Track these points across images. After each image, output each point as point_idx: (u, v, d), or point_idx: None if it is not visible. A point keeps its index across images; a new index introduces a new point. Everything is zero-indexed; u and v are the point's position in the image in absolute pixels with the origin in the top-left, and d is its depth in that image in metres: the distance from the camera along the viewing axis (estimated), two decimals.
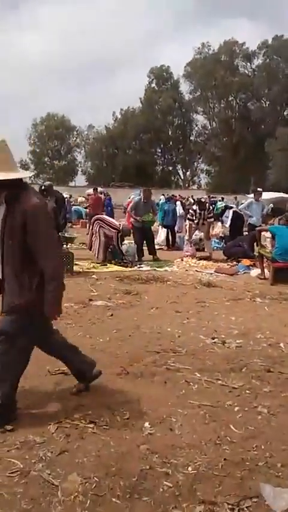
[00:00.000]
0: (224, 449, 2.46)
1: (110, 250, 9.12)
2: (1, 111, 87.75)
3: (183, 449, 2.45)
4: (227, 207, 14.70)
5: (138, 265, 8.89)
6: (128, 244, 9.94)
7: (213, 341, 4.24)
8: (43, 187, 8.07)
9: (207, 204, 11.11)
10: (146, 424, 2.68)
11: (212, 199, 21.11)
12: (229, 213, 13.31)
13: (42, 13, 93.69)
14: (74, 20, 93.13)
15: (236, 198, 23.66)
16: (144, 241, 10.08)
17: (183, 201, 21.03)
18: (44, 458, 2.33)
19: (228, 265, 9.07)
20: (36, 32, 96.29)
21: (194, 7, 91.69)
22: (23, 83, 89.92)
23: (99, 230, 9.02)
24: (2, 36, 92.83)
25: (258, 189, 11.39)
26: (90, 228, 9.62)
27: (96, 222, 9.24)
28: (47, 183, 8.84)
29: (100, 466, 2.28)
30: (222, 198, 21.45)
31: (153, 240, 10.41)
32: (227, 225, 12.93)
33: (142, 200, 9.99)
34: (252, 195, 11.94)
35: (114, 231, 9.00)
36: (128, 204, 19.37)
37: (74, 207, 22.36)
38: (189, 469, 2.28)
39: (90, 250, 9.33)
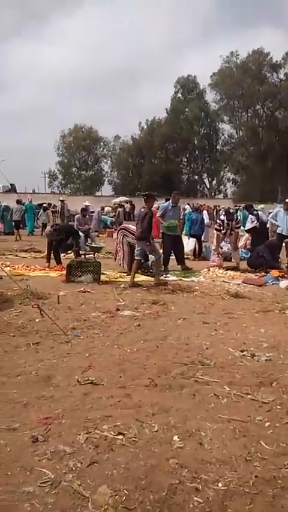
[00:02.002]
0: (255, 465, 2.41)
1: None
2: (31, 123, 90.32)
3: (213, 464, 2.41)
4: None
5: (165, 275, 8.88)
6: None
7: (242, 354, 4.18)
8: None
9: (235, 215, 11.03)
10: (175, 438, 2.66)
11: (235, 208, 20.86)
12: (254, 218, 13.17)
13: (67, 26, 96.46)
14: (99, 32, 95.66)
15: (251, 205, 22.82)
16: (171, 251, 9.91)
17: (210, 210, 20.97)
18: (74, 468, 2.34)
19: (256, 275, 8.95)
20: (62, 45, 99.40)
21: (218, 17, 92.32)
22: (50, 95, 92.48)
23: (122, 239, 9.04)
24: (28, 48, 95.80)
25: (287, 199, 11.22)
26: (116, 238, 9.63)
27: (120, 231, 9.26)
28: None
29: (129, 478, 2.27)
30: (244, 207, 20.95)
31: (182, 248, 10.15)
32: (245, 227, 12.70)
33: (171, 204, 9.79)
34: (281, 205, 11.77)
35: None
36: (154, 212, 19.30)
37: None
38: (220, 485, 2.24)
39: (115, 260, 9.36)
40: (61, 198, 22.19)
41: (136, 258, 7.98)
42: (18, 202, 18.59)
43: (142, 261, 8.47)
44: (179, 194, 10.46)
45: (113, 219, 22.56)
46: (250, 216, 13.38)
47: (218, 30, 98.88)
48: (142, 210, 8.02)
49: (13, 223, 17.71)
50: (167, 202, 10.25)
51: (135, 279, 8.34)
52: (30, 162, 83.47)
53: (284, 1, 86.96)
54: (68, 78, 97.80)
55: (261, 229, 11.68)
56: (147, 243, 7.93)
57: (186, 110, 55.12)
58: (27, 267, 9.35)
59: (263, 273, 9.00)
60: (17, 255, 11.85)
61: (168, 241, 9.71)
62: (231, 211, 10.90)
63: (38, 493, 2.15)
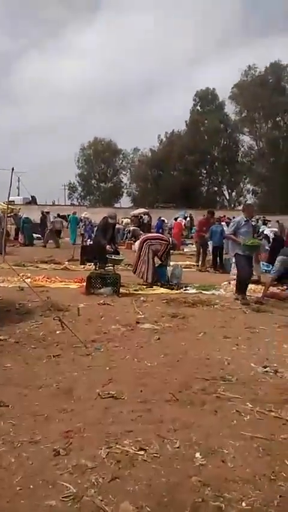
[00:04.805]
0: (279, 485, 2.36)
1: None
2: (51, 136, 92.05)
3: (236, 483, 2.37)
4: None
5: (184, 288, 8.85)
6: (174, 266, 9.94)
7: (265, 370, 4.12)
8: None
9: (256, 227, 10.90)
10: (197, 455, 2.63)
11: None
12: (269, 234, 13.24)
13: (84, 39, 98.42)
14: (117, 45, 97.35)
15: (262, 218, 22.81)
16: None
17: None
18: (96, 483, 2.34)
19: (278, 289, 8.80)
20: (80, 58, 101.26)
21: (236, 29, 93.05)
22: (71, 108, 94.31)
23: (148, 251, 8.98)
24: (46, 62, 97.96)
25: None
26: (138, 250, 9.28)
27: (145, 242, 9.15)
28: None
29: (152, 495, 2.25)
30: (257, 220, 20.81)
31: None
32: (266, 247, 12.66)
33: (244, 218, 8.07)
34: None
35: (165, 242, 9.16)
36: (176, 226, 19.31)
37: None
38: (243, 504, 2.20)
39: (134, 273, 9.30)
40: (46, 210, 23.68)
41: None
42: (59, 215, 23.73)
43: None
44: (253, 206, 9.20)
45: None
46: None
47: (236, 42, 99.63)
48: None
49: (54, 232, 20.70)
50: (239, 216, 8.30)
51: (154, 291, 8.37)
52: (50, 174, 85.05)
53: None
54: (87, 91, 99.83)
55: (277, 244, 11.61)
56: None
57: (206, 121, 55.34)
58: (48, 278, 9.45)
59: (285, 286, 8.83)
60: (37, 267, 11.98)
61: (244, 262, 7.83)
62: (252, 224, 10.76)
63: (60, 507, 2.16)
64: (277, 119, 53.28)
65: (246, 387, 3.70)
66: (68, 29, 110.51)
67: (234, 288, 8.11)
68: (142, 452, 2.63)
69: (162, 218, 23.96)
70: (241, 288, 7.80)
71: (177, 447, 2.71)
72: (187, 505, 2.18)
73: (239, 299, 7.62)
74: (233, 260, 10.53)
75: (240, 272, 7.90)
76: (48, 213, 22.29)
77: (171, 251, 9.67)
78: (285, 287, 8.79)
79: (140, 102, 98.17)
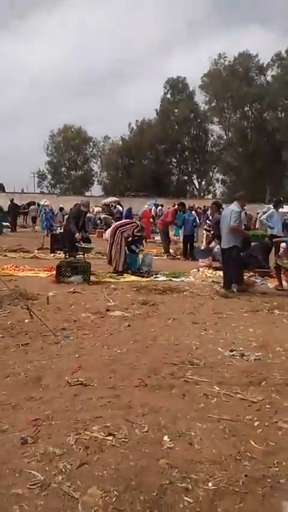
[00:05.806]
0: (245, 465, 2.42)
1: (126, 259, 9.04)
2: (20, 122, 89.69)
3: (203, 464, 2.42)
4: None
5: (155, 276, 8.89)
6: (144, 254, 9.94)
7: (232, 353, 4.21)
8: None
9: None
10: (165, 438, 2.66)
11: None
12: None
13: (54, 24, 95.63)
14: (88, 31, 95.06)
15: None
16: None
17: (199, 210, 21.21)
18: (63, 470, 2.33)
19: (245, 275, 8.96)
20: (49, 43, 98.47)
21: (206, 17, 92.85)
22: (40, 94, 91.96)
23: (121, 239, 8.86)
24: (14, 47, 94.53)
25: (281, 198, 11.23)
26: (111, 238, 9.08)
27: (118, 230, 9.03)
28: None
29: (120, 479, 2.26)
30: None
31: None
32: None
33: (240, 209, 7.73)
34: (269, 205, 11.85)
35: (134, 224, 9.29)
36: (145, 215, 19.27)
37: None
38: (210, 484, 2.25)
39: (109, 263, 9.16)
40: None
41: None
42: (33, 203, 26.68)
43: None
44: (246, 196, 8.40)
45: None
46: None
47: (208, 30, 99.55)
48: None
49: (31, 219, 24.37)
50: (235, 206, 7.67)
51: (125, 279, 8.36)
52: (18, 161, 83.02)
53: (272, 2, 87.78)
54: (57, 77, 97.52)
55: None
56: None
57: (176, 110, 55.30)
58: (16, 267, 9.28)
59: (252, 273, 9.02)
60: (5, 255, 11.74)
61: (239, 254, 7.79)
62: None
63: (27, 495, 2.13)
64: (245, 109, 53.86)
65: (213, 371, 3.77)
66: (36, 11, 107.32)
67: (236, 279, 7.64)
68: (111, 438, 2.64)
69: (119, 208, 24.00)
70: (240, 277, 7.60)
71: (146, 431, 2.73)
72: (154, 488, 2.20)
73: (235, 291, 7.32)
74: (202, 248, 10.65)
75: (237, 263, 7.61)
76: None
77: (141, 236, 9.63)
78: (251, 274, 8.97)
79: (111, 89, 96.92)
